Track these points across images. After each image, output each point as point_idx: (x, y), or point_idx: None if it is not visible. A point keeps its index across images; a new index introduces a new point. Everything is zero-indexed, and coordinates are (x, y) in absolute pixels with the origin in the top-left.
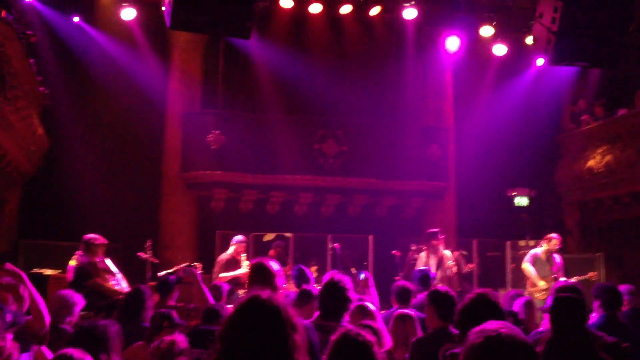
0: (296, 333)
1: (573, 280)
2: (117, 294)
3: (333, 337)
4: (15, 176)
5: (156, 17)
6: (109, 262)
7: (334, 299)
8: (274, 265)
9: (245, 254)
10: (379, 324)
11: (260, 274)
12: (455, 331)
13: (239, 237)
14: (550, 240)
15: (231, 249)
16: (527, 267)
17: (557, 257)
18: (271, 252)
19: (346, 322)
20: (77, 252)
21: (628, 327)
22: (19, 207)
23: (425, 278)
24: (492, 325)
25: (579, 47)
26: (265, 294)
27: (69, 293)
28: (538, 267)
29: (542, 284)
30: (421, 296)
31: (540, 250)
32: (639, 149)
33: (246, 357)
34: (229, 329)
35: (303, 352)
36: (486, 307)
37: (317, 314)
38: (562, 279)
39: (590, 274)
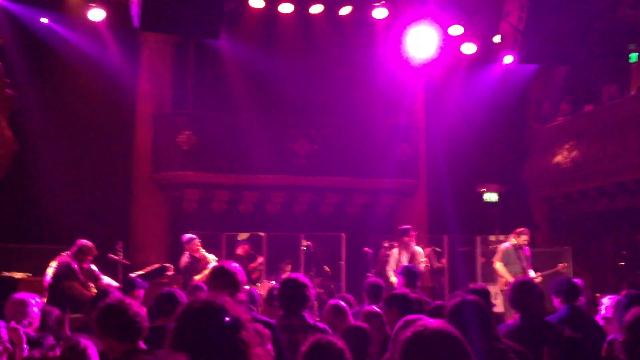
0: (245, 330)
1: (539, 273)
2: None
3: (303, 348)
4: None
5: (125, 17)
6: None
7: (292, 296)
8: (233, 265)
9: (204, 249)
10: (350, 322)
11: (220, 278)
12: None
13: (187, 236)
14: (519, 234)
15: (186, 252)
16: (499, 266)
17: (527, 251)
18: (239, 251)
19: (310, 319)
20: (64, 253)
21: (590, 318)
22: None
23: (411, 273)
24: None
25: (545, 45)
26: (205, 295)
27: (21, 296)
28: (510, 262)
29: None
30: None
31: (509, 244)
32: (605, 144)
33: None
34: (174, 332)
35: (255, 346)
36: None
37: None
38: (531, 272)
39: (560, 265)
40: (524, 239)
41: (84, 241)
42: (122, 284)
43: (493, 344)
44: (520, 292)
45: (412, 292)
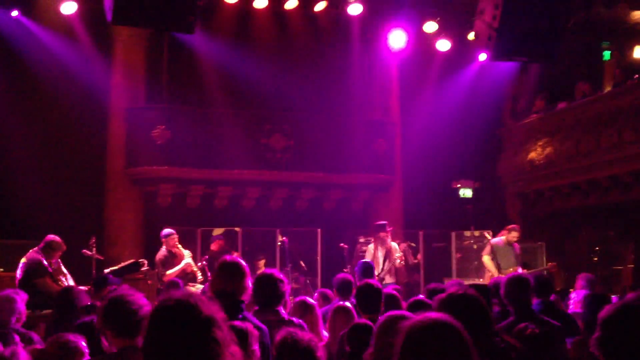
0: (218, 329)
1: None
2: None
3: (275, 343)
4: None
5: (97, 10)
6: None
7: (266, 292)
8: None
9: (180, 245)
10: (318, 318)
11: (234, 272)
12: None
13: (166, 231)
14: (509, 231)
15: (163, 246)
16: (486, 260)
17: (517, 247)
18: (213, 247)
19: (285, 314)
20: (32, 249)
21: (563, 311)
22: None
23: (367, 270)
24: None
25: (519, 43)
26: (178, 293)
27: (6, 292)
28: (500, 257)
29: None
30: None
31: (499, 239)
32: (578, 141)
33: (166, 357)
34: (146, 330)
35: (228, 345)
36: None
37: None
38: (519, 269)
39: (550, 264)
40: (514, 235)
41: (52, 237)
42: (94, 279)
43: (493, 339)
44: (516, 287)
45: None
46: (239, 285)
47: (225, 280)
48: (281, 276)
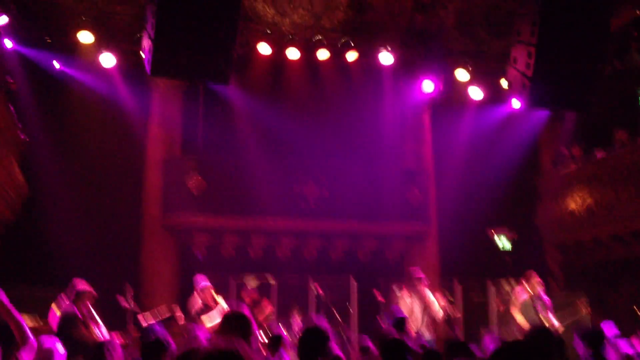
0: None
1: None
2: None
3: None
4: None
5: (136, 63)
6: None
7: (313, 346)
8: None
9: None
10: None
11: (236, 324)
12: None
13: (203, 284)
14: (528, 279)
15: (197, 297)
16: (515, 314)
17: (547, 300)
18: (246, 299)
19: None
20: (61, 298)
21: None
22: None
23: (400, 323)
24: None
25: (553, 91)
26: (223, 343)
27: (52, 345)
28: (529, 315)
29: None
30: None
31: (526, 295)
32: (618, 190)
33: None
34: None
35: None
36: None
37: None
38: (555, 322)
39: (583, 309)
40: (536, 282)
41: (81, 286)
42: (142, 333)
43: None
44: (538, 341)
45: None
46: (245, 339)
47: (230, 332)
48: (330, 333)
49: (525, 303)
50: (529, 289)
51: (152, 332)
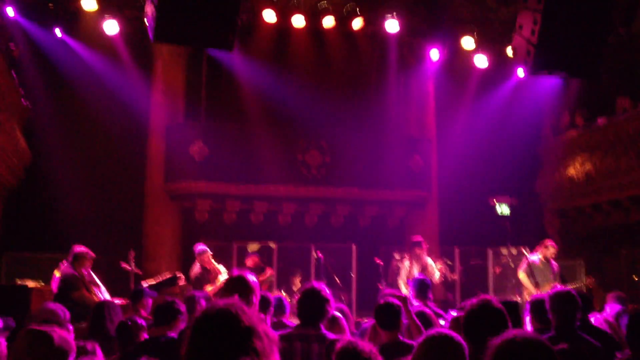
0: (258, 340)
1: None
2: None
3: (335, 351)
4: None
5: (139, 29)
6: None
7: (312, 307)
8: (252, 278)
9: (215, 260)
10: (347, 334)
11: (238, 287)
12: (407, 340)
13: (200, 248)
14: (547, 247)
15: (197, 262)
16: (522, 277)
17: (554, 265)
18: (249, 263)
19: (325, 330)
20: (61, 263)
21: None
22: (2, 220)
23: (423, 288)
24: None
25: (558, 58)
26: (222, 302)
27: (58, 307)
28: (537, 274)
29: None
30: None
31: (536, 257)
32: (619, 157)
33: None
34: (188, 340)
35: (269, 356)
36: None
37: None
38: (557, 286)
39: (589, 280)
40: (551, 251)
41: (78, 248)
42: (131, 293)
43: None
44: (562, 302)
45: (424, 304)
46: (245, 301)
47: (230, 295)
48: (328, 295)
49: (534, 264)
50: (540, 254)
51: (142, 293)
